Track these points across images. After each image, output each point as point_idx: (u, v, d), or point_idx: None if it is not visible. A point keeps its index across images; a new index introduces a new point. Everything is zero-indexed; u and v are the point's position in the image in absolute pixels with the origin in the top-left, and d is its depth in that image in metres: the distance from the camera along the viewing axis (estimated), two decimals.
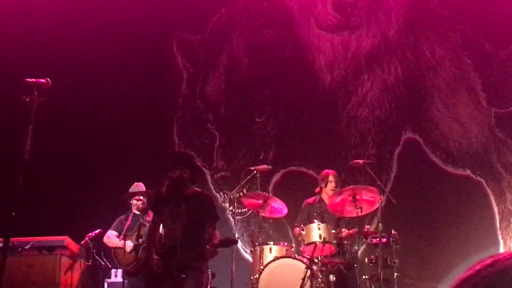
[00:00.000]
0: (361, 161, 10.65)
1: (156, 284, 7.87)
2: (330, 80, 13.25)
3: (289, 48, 13.56)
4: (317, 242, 9.29)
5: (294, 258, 9.44)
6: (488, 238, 12.05)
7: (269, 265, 9.33)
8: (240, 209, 11.69)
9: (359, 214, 9.55)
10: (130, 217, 10.25)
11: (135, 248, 9.67)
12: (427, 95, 12.92)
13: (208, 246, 7.83)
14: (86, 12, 13.61)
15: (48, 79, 6.84)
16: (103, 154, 12.97)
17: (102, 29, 13.46)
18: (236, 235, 10.33)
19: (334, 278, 9.29)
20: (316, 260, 9.28)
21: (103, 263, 10.34)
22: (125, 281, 10.02)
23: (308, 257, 9.22)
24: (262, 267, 9.34)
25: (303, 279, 8.86)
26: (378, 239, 9.40)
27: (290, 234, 11.63)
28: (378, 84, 13.06)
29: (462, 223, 12.17)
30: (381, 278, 9.26)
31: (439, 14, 13.14)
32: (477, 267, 1.62)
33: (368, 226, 10.07)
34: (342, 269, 9.58)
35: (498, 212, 12.24)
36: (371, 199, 9.62)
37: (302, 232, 9.63)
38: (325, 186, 10.46)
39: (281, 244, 9.97)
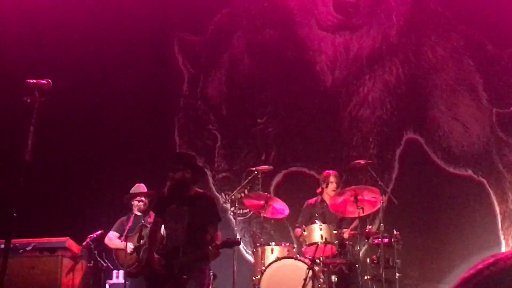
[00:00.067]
0: (362, 162, 10.62)
1: (157, 285, 7.86)
2: (331, 81, 13.24)
3: (290, 48, 13.55)
4: (319, 243, 9.29)
5: (296, 258, 9.44)
6: (490, 238, 12.04)
7: (271, 265, 9.33)
8: (241, 210, 11.67)
9: (361, 214, 9.55)
10: (132, 218, 10.25)
11: (136, 249, 9.66)
12: (429, 96, 12.91)
13: (210, 247, 7.83)
14: (87, 13, 13.60)
15: (49, 80, 6.84)
16: (104, 155, 12.97)
17: (103, 30, 13.46)
18: (238, 236, 10.30)
19: (336, 279, 9.29)
20: (318, 261, 9.28)
21: (104, 264, 10.35)
22: (127, 282, 9.99)
23: (310, 257, 9.21)
24: (264, 268, 9.34)
25: (305, 279, 8.86)
26: (380, 239, 9.40)
27: (292, 234, 11.62)
28: (380, 84, 13.05)
29: (464, 223, 12.16)
30: (383, 278, 9.25)
31: (441, 14, 13.13)
32: (479, 266, 1.61)
33: (370, 227, 10.06)
34: (344, 269, 9.59)
35: (500, 212, 12.23)
36: (372, 200, 9.62)
37: (303, 232, 9.63)
38: (326, 186, 10.47)
39: (283, 244, 9.97)
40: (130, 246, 9.85)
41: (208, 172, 13.05)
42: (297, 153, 13.07)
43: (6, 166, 11.41)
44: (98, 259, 10.13)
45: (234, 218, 11.15)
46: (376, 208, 9.79)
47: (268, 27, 13.64)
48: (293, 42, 13.52)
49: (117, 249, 10.13)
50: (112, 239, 10.25)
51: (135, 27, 13.52)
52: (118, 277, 10.59)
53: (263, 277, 9.25)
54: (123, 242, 9.92)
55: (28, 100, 6.68)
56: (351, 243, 9.96)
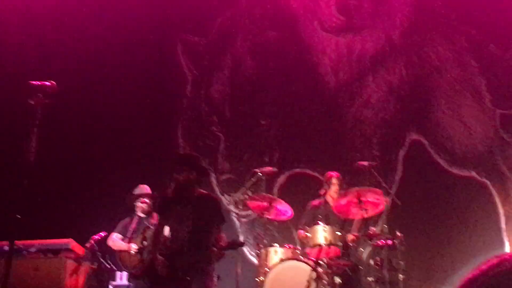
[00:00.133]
0: (366, 163, 10.61)
1: (161, 286, 7.85)
2: (334, 82, 13.25)
3: (293, 50, 13.56)
4: (323, 244, 9.29)
5: (300, 260, 9.42)
6: (493, 240, 12.03)
7: (275, 267, 9.31)
8: (245, 212, 11.67)
9: (364, 216, 9.55)
10: (135, 220, 10.25)
11: (140, 250, 9.65)
12: (432, 97, 12.91)
13: (215, 248, 7.82)
14: (90, 15, 13.62)
15: (53, 81, 6.85)
16: (108, 157, 12.97)
17: (106, 31, 13.47)
18: (241, 238, 10.30)
19: (340, 280, 9.27)
20: (321, 262, 9.26)
21: (108, 266, 10.33)
22: (130, 284, 10.02)
23: (314, 259, 9.20)
24: (267, 269, 9.33)
25: (309, 281, 8.84)
26: (383, 241, 9.39)
27: (295, 236, 11.60)
28: (383, 85, 13.05)
29: (467, 225, 12.15)
30: (387, 280, 9.24)
31: (444, 16, 13.13)
32: (484, 267, 1.61)
33: (373, 228, 10.06)
34: (347, 271, 9.58)
35: (503, 213, 12.22)
36: (376, 201, 9.61)
37: (307, 234, 9.62)
38: (329, 188, 10.48)
39: (287, 246, 9.95)
40: (133, 246, 9.85)
41: (211, 174, 13.04)
42: (300, 155, 13.06)
43: (10, 168, 11.41)
44: (102, 260, 10.10)
45: (238, 220, 11.14)
46: (379, 210, 9.78)
47: (271, 29, 13.65)
48: (296, 43, 13.53)
49: (120, 251, 10.13)
50: (116, 240, 10.25)
51: (139, 28, 13.53)
52: (122, 278, 10.59)
53: (267, 278, 9.23)
54: (126, 243, 9.93)
55: (32, 102, 6.69)
56: (354, 244, 9.95)
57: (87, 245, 9.77)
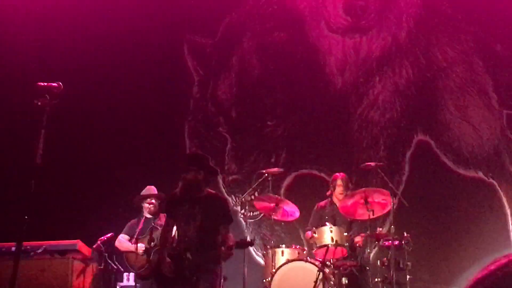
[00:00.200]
0: (372, 164, 10.58)
1: (168, 287, 7.86)
2: (341, 83, 13.23)
3: (300, 51, 13.55)
4: (329, 245, 9.29)
5: (306, 261, 9.42)
6: (500, 240, 12.00)
7: (282, 268, 9.33)
8: (251, 212, 11.68)
9: (371, 216, 9.54)
10: (142, 221, 10.26)
11: (147, 251, 9.65)
12: (439, 97, 12.89)
13: (223, 248, 7.83)
14: (98, 15, 13.63)
15: (60, 82, 6.85)
16: (115, 158, 12.98)
17: (113, 32, 13.46)
18: (248, 238, 10.30)
19: (347, 281, 9.28)
20: (328, 263, 9.27)
21: (115, 267, 10.34)
22: (137, 284, 10.03)
23: (320, 260, 9.21)
24: (274, 270, 9.34)
25: (316, 282, 8.85)
26: (390, 241, 9.38)
27: (302, 237, 11.60)
28: (389, 86, 13.04)
29: (474, 225, 12.13)
30: (394, 280, 9.23)
31: (450, 16, 13.11)
32: (492, 267, 1.61)
33: (380, 229, 10.05)
34: (354, 271, 9.58)
35: (511, 213, 12.20)
36: (383, 202, 9.61)
37: (314, 235, 9.62)
38: (334, 189, 10.49)
39: (293, 247, 9.95)
40: (141, 246, 9.85)
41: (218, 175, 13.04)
42: (307, 155, 13.05)
43: (17, 169, 11.45)
44: (109, 261, 10.13)
45: (245, 221, 11.13)
46: (386, 210, 9.78)
47: (278, 29, 13.64)
48: (303, 44, 13.51)
49: (127, 252, 10.13)
50: (123, 241, 10.25)
51: (145, 29, 13.53)
52: (129, 279, 10.60)
53: (274, 279, 9.24)
54: (133, 244, 9.93)
55: (39, 103, 6.69)
56: (361, 245, 9.94)
57: (94, 246, 9.80)
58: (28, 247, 9.11)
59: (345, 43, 13.35)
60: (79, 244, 9.73)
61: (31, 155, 6.60)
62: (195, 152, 12.40)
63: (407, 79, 13.00)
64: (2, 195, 12.16)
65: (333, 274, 9.31)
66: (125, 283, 10.60)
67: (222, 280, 8.43)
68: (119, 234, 10.32)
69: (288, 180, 12.89)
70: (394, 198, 9.82)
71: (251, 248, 11.35)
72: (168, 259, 7.80)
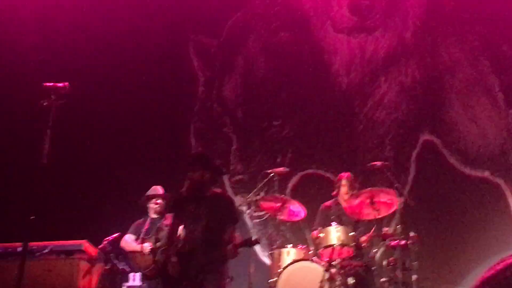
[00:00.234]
0: (378, 164, 10.56)
1: (174, 287, 7.85)
2: (347, 83, 13.23)
3: (305, 50, 13.54)
4: (335, 245, 9.27)
5: (312, 261, 9.41)
6: (506, 240, 11.96)
7: (287, 268, 9.31)
8: (257, 212, 11.66)
9: (377, 216, 9.53)
10: (148, 221, 10.26)
11: (153, 251, 9.65)
12: (445, 97, 12.87)
13: (230, 247, 7.81)
14: (103, 16, 13.65)
15: (66, 83, 6.86)
16: (121, 158, 12.99)
17: (118, 33, 13.49)
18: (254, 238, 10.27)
19: (353, 281, 9.25)
20: (334, 263, 9.24)
21: (121, 267, 10.34)
22: (143, 284, 10.02)
23: (326, 260, 9.20)
24: (280, 270, 9.33)
25: (321, 282, 8.84)
26: (396, 241, 9.36)
27: (308, 237, 11.59)
28: (395, 86, 13.03)
29: (481, 225, 12.11)
30: (400, 280, 9.22)
31: (456, 16, 13.10)
32: (499, 267, 1.61)
33: (386, 229, 10.03)
34: (360, 271, 9.55)
35: None
36: (389, 202, 9.59)
37: (320, 235, 9.60)
38: (339, 189, 10.47)
39: (299, 247, 9.93)
40: (147, 246, 9.84)
41: (224, 174, 13.04)
42: (313, 155, 13.05)
43: (23, 169, 11.46)
44: (115, 261, 10.12)
45: (251, 221, 11.13)
46: (392, 210, 9.77)
47: (283, 29, 13.64)
48: (308, 44, 13.51)
49: (133, 252, 10.13)
50: (128, 242, 10.25)
51: (150, 29, 13.56)
52: (135, 279, 10.58)
53: (280, 279, 9.22)
54: (139, 244, 9.93)
55: (45, 103, 6.70)
56: (367, 245, 9.92)
57: (100, 246, 9.80)
58: (34, 247, 9.13)
59: (350, 43, 13.34)
60: (85, 244, 9.74)
61: (37, 155, 6.61)
62: (201, 152, 12.40)
63: (413, 79, 12.99)
64: (9, 195, 12.18)
65: (339, 274, 9.27)
66: (131, 283, 10.58)
67: (228, 280, 8.42)
68: (125, 234, 10.32)
69: (294, 180, 12.89)
70: (400, 198, 9.80)
71: (257, 248, 11.33)
72: (174, 259, 7.79)
